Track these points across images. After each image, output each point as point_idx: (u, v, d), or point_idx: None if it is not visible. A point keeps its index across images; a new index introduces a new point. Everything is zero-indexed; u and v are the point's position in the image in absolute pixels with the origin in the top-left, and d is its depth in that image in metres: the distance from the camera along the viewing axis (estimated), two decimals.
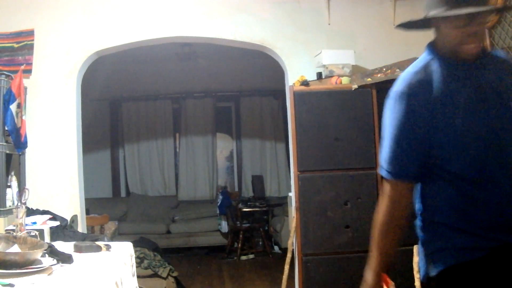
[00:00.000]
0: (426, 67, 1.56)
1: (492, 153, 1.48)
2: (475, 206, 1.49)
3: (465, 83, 1.51)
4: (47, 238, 2.61)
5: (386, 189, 1.58)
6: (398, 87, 1.55)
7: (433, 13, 1.56)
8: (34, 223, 2.78)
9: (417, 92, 1.51)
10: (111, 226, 6.28)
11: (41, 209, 3.34)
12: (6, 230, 2.48)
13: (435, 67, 1.55)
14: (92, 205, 6.09)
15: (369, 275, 1.68)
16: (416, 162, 1.54)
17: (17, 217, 2.36)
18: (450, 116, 1.48)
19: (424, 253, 1.62)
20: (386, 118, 1.58)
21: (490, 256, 1.45)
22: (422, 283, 1.64)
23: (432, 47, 1.62)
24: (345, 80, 3.72)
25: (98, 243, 2.34)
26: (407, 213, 1.60)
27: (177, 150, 7.80)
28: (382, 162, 1.60)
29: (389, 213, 1.61)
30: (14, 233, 2.20)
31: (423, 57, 1.61)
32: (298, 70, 3.95)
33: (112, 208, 6.90)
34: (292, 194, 3.87)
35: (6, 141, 3.10)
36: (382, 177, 1.62)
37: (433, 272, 1.54)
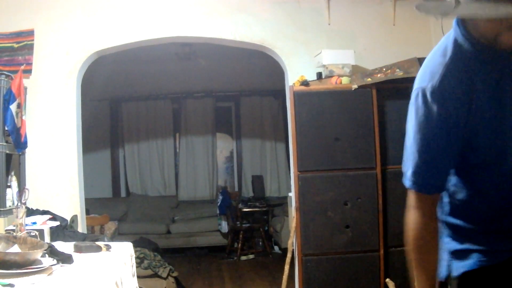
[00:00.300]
0: (457, 56, 1.27)
1: None
2: (506, 213, 1.34)
3: (505, 77, 1.24)
4: (47, 238, 2.61)
5: (413, 200, 1.37)
6: (424, 82, 1.28)
7: (467, 12, 1.10)
8: (34, 223, 2.78)
9: (450, 87, 1.24)
10: (111, 226, 6.28)
11: (41, 209, 3.34)
12: (6, 230, 2.48)
13: (469, 56, 1.25)
14: (92, 205, 6.09)
15: None
16: (447, 172, 1.34)
17: (17, 217, 2.36)
18: (494, 116, 1.24)
19: (448, 252, 1.43)
20: (411, 120, 1.32)
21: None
22: (440, 282, 1.43)
23: (463, 30, 1.26)
24: (345, 80, 3.72)
25: (98, 243, 2.34)
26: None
27: (177, 150, 7.80)
28: (406, 172, 1.36)
29: (424, 225, 1.36)
30: (14, 233, 2.20)
31: (451, 42, 1.29)
32: (298, 70, 3.95)
33: (112, 208, 6.89)
34: (292, 194, 3.87)
35: (6, 141, 3.10)
36: (407, 188, 1.40)
37: (455, 273, 1.40)
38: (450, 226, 1.42)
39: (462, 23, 1.26)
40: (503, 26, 1.15)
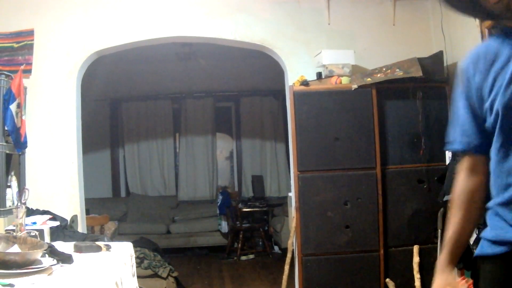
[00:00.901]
0: (488, 40, 1.54)
1: None
2: None
3: None
4: (47, 238, 2.61)
5: (460, 163, 1.54)
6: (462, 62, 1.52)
7: None
8: (34, 223, 2.78)
9: (474, 62, 1.46)
10: (111, 226, 6.28)
11: (41, 209, 3.34)
12: (6, 230, 2.48)
13: (496, 38, 1.46)
14: (92, 205, 6.08)
15: (440, 260, 1.54)
16: (478, 132, 1.48)
17: (17, 217, 2.36)
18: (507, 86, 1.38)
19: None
20: (455, 95, 1.55)
21: None
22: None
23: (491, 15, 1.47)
24: (345, 80, 3.72)
25: (98, 243, 2.34)
26: (483, 190, 1.49)
27: (177, 150, 7.79)
28: (451, 137, 1.55)
29: (463, 184, 1.51)
30: (14, 233, 2.20)
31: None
32: (298, 70, 3.95)
33: (112, 208, 6.89)
34: (292, 194, 3.87)
35: (6, 141, 3.10)
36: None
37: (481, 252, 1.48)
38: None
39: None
40: None
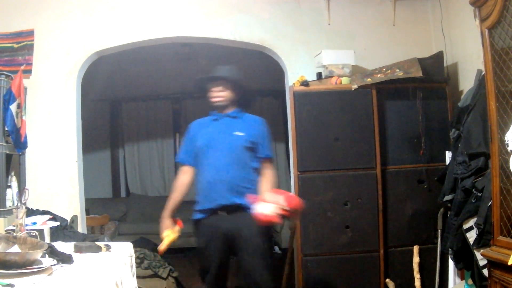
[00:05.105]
0: None
1: None
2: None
3: None
4: (47, 239, 2.61)
5: None
6: None
7: None
8: (34, 223, 2.78)
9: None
10: (111, 226, 6.28)
11: (41, 209, 3.34)
12: (6, 230, 2.48)
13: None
14: (92, 205, 6.09)
15: (164, 214, 2.68)
16: None
17: (17, 217, 2.36)
18: None
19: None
20: None
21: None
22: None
23: None
24: (345, 80, 3.72)
25: (98, 243, 2.34)
26: None
27: (177, 150, 7.79)
28: None
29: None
30: (14, 233, 2.20)
31: None
32: (298, 70, 3.95)
33: (112, 208, 6.89)
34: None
35: (6, 141, 3.10)
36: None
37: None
38: None
39: None
40: None
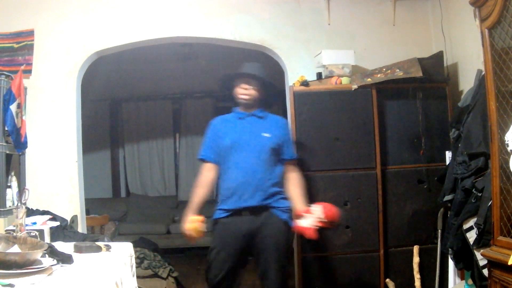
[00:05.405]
0: None
1: None
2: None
3: None
4: (47, 239, 2.61)
5: None
6: None
7: None
8: (34, 223, 2.78)
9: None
10: (111, 226, 6.28)
11: (41, 209, 3.34)
12: (6, 230, 2.48)
13: None
14: (92, 205, 6.08)
15: (188, 211, 2.51)
16: None
17: (17, 217, 2.36)
18: None
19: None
20: None
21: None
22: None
23: None
24: (345, 80, 3.72)
25: (98, 243, 2.34)
26: None
27: (177, 150, 7.79)
28: None
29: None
30: (14, 233, 2.20)
31: None
32: (298, 70, 3.95)
33: (112, 208, 6.89)
34: None
35: (6, 141, 3.10)
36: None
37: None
38: None
39: None
40: None
